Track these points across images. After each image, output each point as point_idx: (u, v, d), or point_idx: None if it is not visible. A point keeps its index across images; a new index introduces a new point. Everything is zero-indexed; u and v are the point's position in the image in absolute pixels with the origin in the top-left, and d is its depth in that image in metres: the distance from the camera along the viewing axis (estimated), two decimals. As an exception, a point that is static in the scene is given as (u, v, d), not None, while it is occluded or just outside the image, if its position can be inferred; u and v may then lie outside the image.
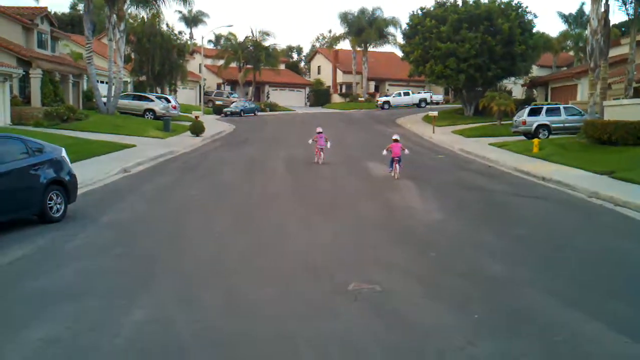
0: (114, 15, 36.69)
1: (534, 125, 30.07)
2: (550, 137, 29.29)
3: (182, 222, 11.77)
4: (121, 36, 37.68)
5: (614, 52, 33.69)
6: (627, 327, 6.20)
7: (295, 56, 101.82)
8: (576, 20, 59.17)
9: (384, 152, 18.81)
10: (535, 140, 25.37)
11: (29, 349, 5.58)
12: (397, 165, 18.20)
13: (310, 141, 22.57)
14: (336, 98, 74.87)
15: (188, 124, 36.41)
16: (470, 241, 10.34)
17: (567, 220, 12.71)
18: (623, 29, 49.84)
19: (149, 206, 13.58)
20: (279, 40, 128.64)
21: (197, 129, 33.60)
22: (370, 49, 70.64)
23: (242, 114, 53.04)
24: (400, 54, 58.75)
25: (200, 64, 60.80)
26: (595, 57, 27.99)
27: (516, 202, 14.78)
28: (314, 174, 19.43)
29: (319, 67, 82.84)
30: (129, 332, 6.02)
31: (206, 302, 6.99)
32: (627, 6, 29.53)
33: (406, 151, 18.76)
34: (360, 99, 67.27)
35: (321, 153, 21.81)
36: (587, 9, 54.55)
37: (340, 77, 76.10)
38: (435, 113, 38.72)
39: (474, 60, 41.93)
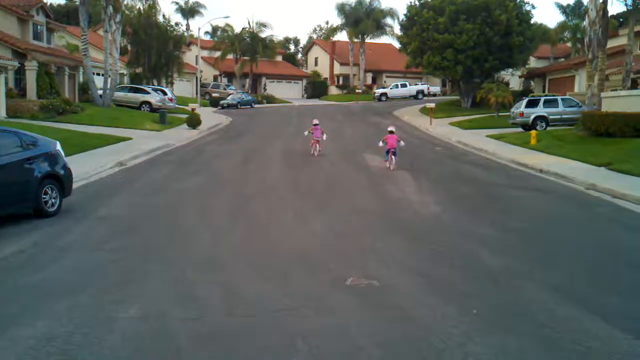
0: (110, 7, 36.42)
1: (532, 117, 30.01)
2: (548, 128, 29.26)
3: (178, 216, 11.70)
4: (117, 28, 37.46)
5: (611, 43, 33.61)
6: (628, 322, 6.15)
7: (292, 48, 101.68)
8: (574, 11, 58.92)
9: (380, 143, 18.96)
10: (533, 132, 25.31)
11: (21, 346, 5.50)
12: (392, 156, 18.30)
13: (306, 133, 22.67)
14: (333, 90, 74.69)
15: (184, 116, 36.26)
16: (468, 234, 10.28)
17: (565, 213, 12.67)
18: (621, 19, 49.81)
19: (144, 200, 13.49)
20: (276, 32, 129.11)
21: (193, 121, 33.43)
22: (368, 40, 70.38)
23: (238, 106, 52.86)
24: (397, 45, 58.66)
25: (196, 56, 60.55)
26: (593, 48, 27.86)
27: (514, 195, 14.74)
28: (311, 166, 19.35)
29: (316, 58, 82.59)
30: (124, 328, 5.96)
31: (202, 297, 6.93)
32: (625, -4, 29.49)
33: (402, 143, 18.87)
34: (357, 90, 67.03)
35: (317, 145, 21.85)
36: (585, -1, 54.54)
37: (338, 69, 75.89)
38: (433, 105, 38.60)
39: (472, 51, 41.80)
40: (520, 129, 30.42)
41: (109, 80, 36.74)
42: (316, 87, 75.98)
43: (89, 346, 5.55)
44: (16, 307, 6.52)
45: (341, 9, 68.94)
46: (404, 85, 63.45)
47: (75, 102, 34.06)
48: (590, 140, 22.88)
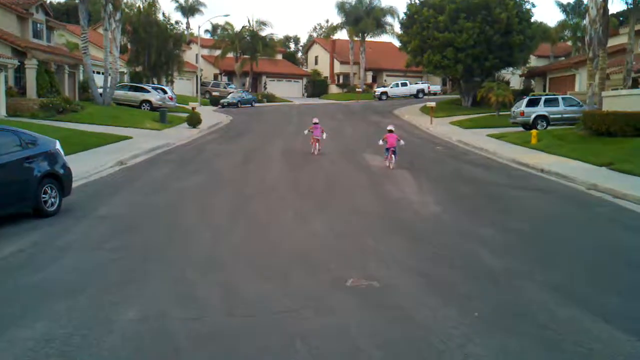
0: (110, 5, 36.36)
1: (533, 116, 29.96)
2: (549, 128, 29.21)
3: (178, 215, 11.68)
4: (117, 26, 37.41)
5: (612, 42, 33.56)
6: (629, 323, 6.12)
7: (292, 46, 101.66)
8: (574, 9, 58.89)
9: (380, 142, 19.00)
10: (534, 132, 25.27)
11: (20, 348, 5.47)
12: (392, 155, 18.33)
13: (306, 132, 22.71)
14: (334, 89, 74.63)
15: (185, 115, 36.22)
16: (469, 234, 10.25)
17: (566, 213, 12.64)
18: (621, 18, 49.76)
19: (144, 199, 13.47)
20: (276, 30, 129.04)
21: (193, 120, 33.39)
22: (368, 38, 70.36)
23: (239, 105, 52.82)
24: (397, 44, 58.61)
25: (197, 54, 60.45)
26: (594, 46, 27.83)
27: (514, 195, 14.71)
28: (311, 165, 19.32)
29: (316, 57, 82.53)
30: (124, 329, 5.93)
31: (202, 297, 6.90)
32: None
33: (401, 142, 18.93)
34: (357, 89, 67.00)
35: (317, 144, 21.86)
36: (586, -2, 54.48)
37: (338, 68, 75.82)
38: (433, 104, 38.52)
39: (472, 50, 41.74)
40: (520, 129, 30.36)
41: (109, 78, 36.70)
42: (316, 86, 75.93)
43: (88, 347, 5.52)
44: (15, 308, 6.49)
45: (341, 7, 68.92)
46: (404, 84, 63.38)
47: (75, 101, 34.00)
48: (591, 140, 22.84)
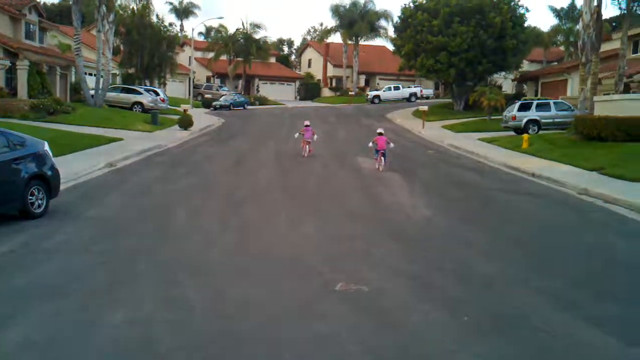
0: (103, 6, 36.20)
1: (524, 121, 30.00)
2: (540, 132, 29.22)
3: (167, 218, 11.57)
4: (110, 27, 37.27)
5: (605, 47, 33.64)
6: (621, 329, 6.09)
7: (286, 49, 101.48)
8: (567, 14, 59.16)
9: (370, 144, 19.23)
10: (525, 136, 25.29)
11: (1, 353, 5.37)
12: (382, 157, 18.47)
13: (296, 135, 22.65)
14: (326, 92, 74.58)
15: (177, 117, 36.06)
16: (460, 239, 10.21)
17: (557, 218, 12.60)
18: (614, 23, 49.94)
19: (133, 202, 13.35)
20: (269, 33, 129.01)
21: (185, 122, 33.27)
22: (362, 42, 70.32)
23: (231, 107, 52.69)
24: (391, 47, 58.61)
25: (190, 57, 60.35)
26: (586, 51, 27.88)
27: (506, 199, 14.70)
28: (303, 168, 19.26)
29: (309, 60, 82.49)
30: (110, 334, 5.83)
31: (189, 302, 6.81)
32: (619, 0, 29.58)
33: (391, 145, 19.09)
34: (350, 93, 66.91)
35: (307, 146, 21.85)
36: (579, 3, 54.73)
37: (331, 71, 75.80)
38: (426, 108, 38.53)
39: (465, 54, 41.76)
40: (512, 133, 30.39)
41: (101, 80, 36.52)
42: (309, 89, 75.86)
43: (73, 353, 5.43)
44: (-1, 311, 6.39)
45: (335, 10, 68.89)
46: (397, 88, 63.37)
47: (66, 102, 33.83)
48: (582, 144, 22.87)
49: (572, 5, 59.12)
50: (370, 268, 8.26)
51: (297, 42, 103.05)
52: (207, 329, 6.04)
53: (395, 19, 52.27)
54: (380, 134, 18.91)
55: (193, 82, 58.08)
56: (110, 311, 6.37)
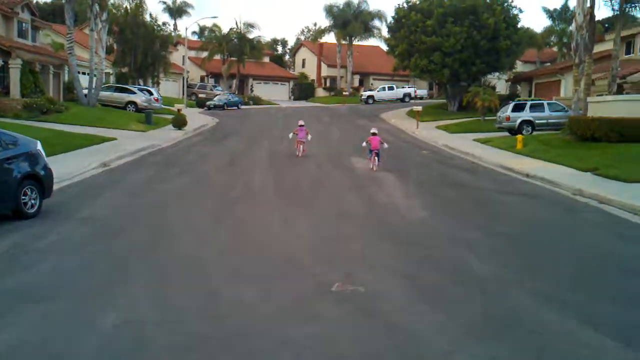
0: (96, 5, 35.99)
1: (518, 121, 30.05)
2: (534, 133, 29.28)
3: (161, 218, 11.51)
4: (103, 26, 37.06)
5: (597, 48, 33.73)
6: (617, 330, 6.07)
7: (280, 49, 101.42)
8: (560, 15, 59.32)
9: (363, 144, 19.39)
10: (519, 137, 25.31)
11: (-6, 354, 5.32)
12: (375, 157, 18.56)
13: (290, 135, 22.60)
14: (320, 92, 74.60)
15: (170, 117, 35.94)
16: (455, 240, 10.17)
17: (552, 218, 12.60)
18: (607, 25, 50.14)
19: (127, 201, 13.27)
20: (263, 33, 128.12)
21: (179, 122, 33.19)
22: (355, 42, 70.36)
23: (225, 107, 52.60)
24: (385, 47, 58.63)
25: (183, 56, 60.22)
26: (580, 52, 27.95)
27: (501, 199, 14.70)
28: (297, 168, 19.21)
29: (303, 60, 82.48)
30: (102, 336, 5.77)
31: (183, 303, 6.74)
32: (612, 1, 29.67)
33: (385, 145, 19.16)
34: (344, 93, 66.93)
35: (301, 146, 21.82)
36: (572, 4, 54.91)
37: (325, 71, 75.81)
38: (420, 108, 38.48)
39: (459, 54, 41.84)
40: (506, 133, 30.44)
41: (95, 79, 36.34)
42: (303, 89, 75.85)
43: (65, 356, 5.37)
44: (-10, 313, 6.32)
45: (329, 10, 68.90)
46: (391, 88, 63.45)
47: (59, 102, 33.64)
48: (576, 145, 22.93)
49: (565, 7, 59.30)
50: (365, 268, 8.23)
51: (290, 42, 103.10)
52: (200, 330, 5.98)
53: (389, 19, 52.39)
54: (373, 134, 19.03)
55: (187, 81, 57.93)
56: (103, 312, 6.31)
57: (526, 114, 30.36)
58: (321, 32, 72.84)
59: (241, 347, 5.62)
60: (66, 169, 15.97)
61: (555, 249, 9.72)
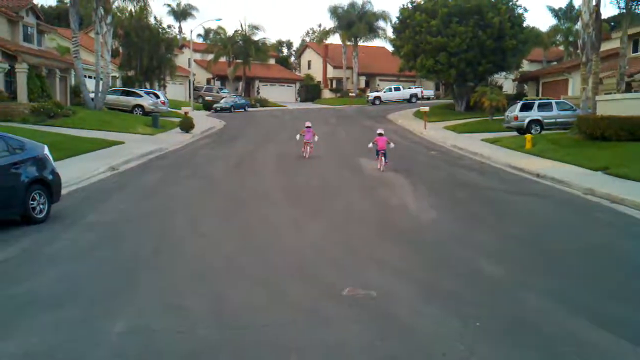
0: (101, 8, 35.98)
1: (526, 121, 29.87)
2: (543, 132, 29.11)
3: (169, 223, 11.44)
4: (108, 30, 37.07)
5: (604, 47, 33.51)
6: (632, 331, 5.97)
7: (285, 51, 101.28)
8: (566, 14, 59.14)
9: (370, 145, 19.45)
10: (528, 136, 25.13)
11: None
12: (382, 157, 18.63)
13: (297, 137, 22.56)
14: (327, 93, 74.53)
15: (177, 120, 35.97)
16: (466, 241, 10.06)
17: (564, 219, 12.47)
18: (612, 23, 49.86)
19: (135, 206, 13.23)
20: (268, 35, 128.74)
21: (186, 125, 33.18)
22: (361, 43, 70.23)
23: (232, 109, 52.58)
24: (390, 48, 58.53)
25: (189, 59, 60.25)
26: (587, 51, 27.76)
27: (511, 200, 14.57)
28: (305, 170, 19.12)
29: (309, 61, 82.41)
30: (111, 343, 5.70)
31: (191, 309, 6.65)
32: (618, -1, 29.45)
33: (392, 145, 19.26)
34: (351, 94, 66.83)
35: (308, 147, 21.83)
36: (577, 2, 54.59)
37: (331, 72, 75.73)
38: (427, 108, 38.32)
39: (465, 54, 41.65)
40: (515, 133, 30.25)
41: (101, 83, 36.34)
42: (309, 91, 75.80)
43: (75, 362, 5.31)
44: (-1, 320, 6.26)
45: (334, 11, 68.83)
46: (397, 89, 63.31)
47: (66, 106, 33.66)
48: (585, 144, 22.75)
49: (570, 5, 59.14)
50: (376, 271, 8.13)
51: (296, 44, 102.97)
52: (209, 337, 5.90)
53: (394, 19, 52.15)
54: (380, 134, 19.05)
55: (193, 84, 57.98)
56: (112, 319, 6.24)
57: (534, 114, 30.17)
58: (326, 33, 72.75)
59: (251, 353, 5.53)
60: (74, 173, 15.94)
61: (568, 249, 9.59)
